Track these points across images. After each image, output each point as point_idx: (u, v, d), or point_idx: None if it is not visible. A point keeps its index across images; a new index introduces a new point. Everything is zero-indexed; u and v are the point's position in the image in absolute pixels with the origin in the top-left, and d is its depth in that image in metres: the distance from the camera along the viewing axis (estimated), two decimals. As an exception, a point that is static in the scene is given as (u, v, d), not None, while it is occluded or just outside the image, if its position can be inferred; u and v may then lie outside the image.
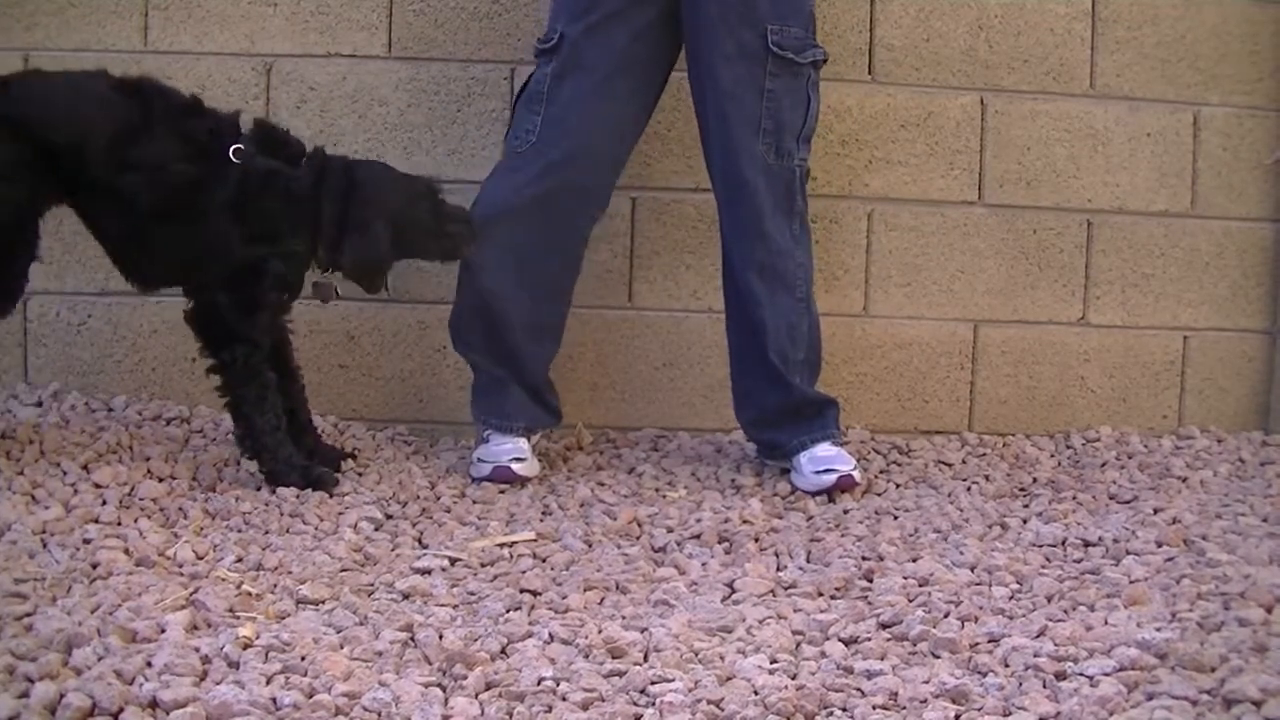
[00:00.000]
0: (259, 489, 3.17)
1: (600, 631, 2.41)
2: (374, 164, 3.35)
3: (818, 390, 3.53)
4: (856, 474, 3.39)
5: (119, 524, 2.88)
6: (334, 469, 3.32)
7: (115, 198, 3.14)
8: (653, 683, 2.19)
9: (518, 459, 3.42)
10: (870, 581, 2.75)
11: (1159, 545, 2.93)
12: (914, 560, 2.86)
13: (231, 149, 3.14)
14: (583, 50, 3.38)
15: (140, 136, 3.12)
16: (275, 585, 2.60)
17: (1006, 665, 2.30)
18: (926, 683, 2.21)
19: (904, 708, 2.14)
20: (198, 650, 2.22)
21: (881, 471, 3.60)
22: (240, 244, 3.16)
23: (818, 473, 3.38)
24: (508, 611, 2.52)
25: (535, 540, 2.98)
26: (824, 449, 3.42)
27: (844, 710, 2.13)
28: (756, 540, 3.01)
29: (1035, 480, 3.54)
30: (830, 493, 3.36)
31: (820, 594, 2.68)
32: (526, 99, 3.45)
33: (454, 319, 3.53)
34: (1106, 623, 2.45)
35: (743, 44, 3.35)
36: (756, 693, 2.16)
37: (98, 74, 3.20)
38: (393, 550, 2.88)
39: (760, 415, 3.53)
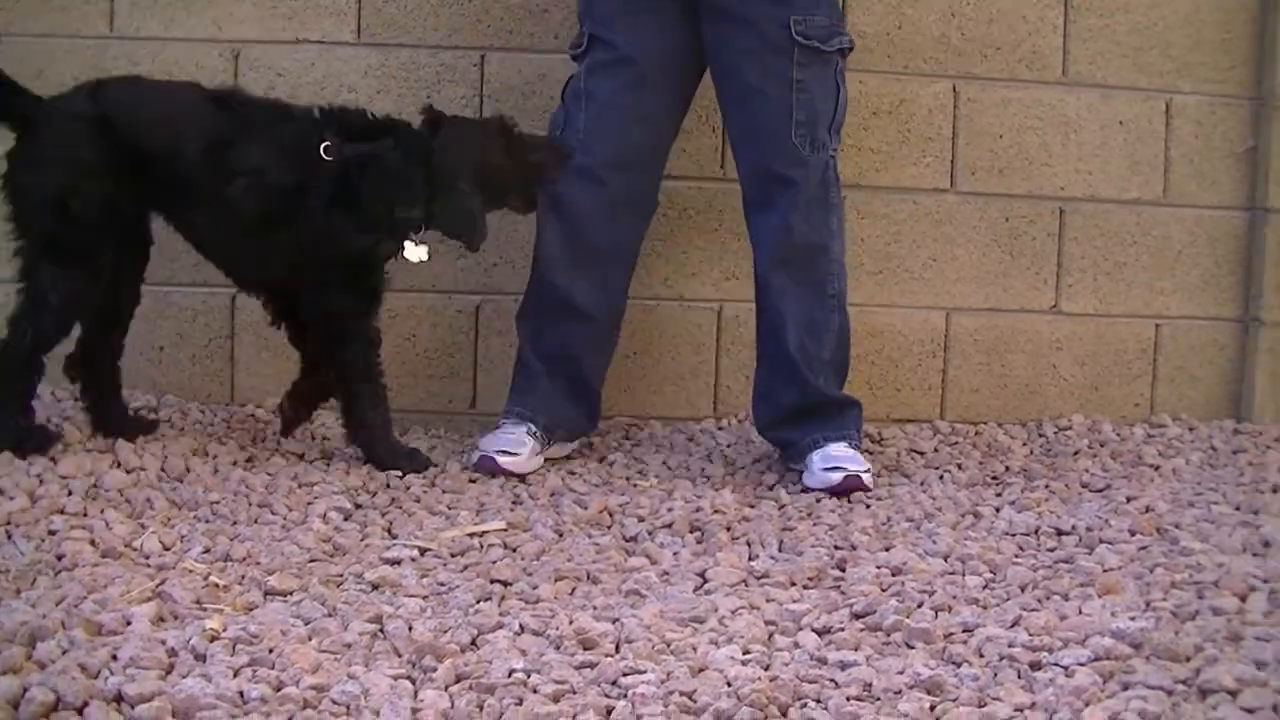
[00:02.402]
0: (227, 479, 3.14)
1: (571, 622, 2.39)
2: (454, 124, 3.33)
3: (843, 393, 3.48)
4: (867, 478, 3.29)
5: (85, 515, 2.85)
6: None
7: None
8: (624, 674, 2.17)
9: (507, 452, 3.37)
10: (843, 571, 2.73)
11: (1132, 534, 2.93)
12: (887, 549, 2.85)
13: None
14: (612, 48, 3.38)
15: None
16: (243, 576, 2.58)
17: (981, 655, 2.29)
18: (901, 673, 2.20)
19: (878, 699, 2.13)
20: (164, 643, 2.19)
21: (854, 460, 3.58)
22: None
23: (826, 469, 3.30)
24: (478, 602, 2.50)
25: (505, 530, 2.96)
26: (838, 448, 3.35)
27: (818, 701, 2.11)
28: (728, 529, 2.99)
29: (1008, 469, 3.54)
30: (835, 492, 3.27)
31: (793, 584, 2.67)
32: (571, 96, 3.45)
33: (525, 308, 3.54)
34: (1081, 612, 2.44)
35: (766, 37, 3.30)
36: (729, 684, 2.15)
37: None
38: (362, 540, 2.85)
39: (777, 414, 3.46)
